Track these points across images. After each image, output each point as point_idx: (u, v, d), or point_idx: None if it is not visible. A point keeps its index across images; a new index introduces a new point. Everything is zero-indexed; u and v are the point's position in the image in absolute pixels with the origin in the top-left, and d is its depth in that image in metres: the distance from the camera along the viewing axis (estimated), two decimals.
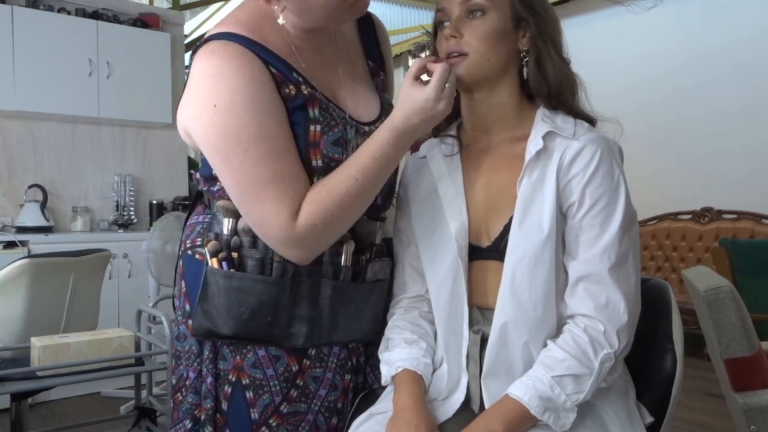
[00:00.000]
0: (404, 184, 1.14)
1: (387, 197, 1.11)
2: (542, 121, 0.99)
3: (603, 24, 4.99)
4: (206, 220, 1.06)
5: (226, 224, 1.01)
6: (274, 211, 0.92)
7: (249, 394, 1.01)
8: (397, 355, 1.05)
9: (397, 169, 1.07)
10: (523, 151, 0.98)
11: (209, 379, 1.02)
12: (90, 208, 3.90)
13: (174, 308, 1.13)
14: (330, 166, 0.97)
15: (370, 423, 1.02)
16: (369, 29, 1.15)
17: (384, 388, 1.09)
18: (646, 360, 1.06)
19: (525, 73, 1.01)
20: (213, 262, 0.99)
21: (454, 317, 1.02)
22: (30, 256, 2.55)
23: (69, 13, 3.73)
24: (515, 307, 0.95)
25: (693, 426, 2.89)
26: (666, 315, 1.07)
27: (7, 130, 3.66)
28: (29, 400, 2.42)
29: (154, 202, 4.05)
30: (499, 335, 0.96)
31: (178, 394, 1.07)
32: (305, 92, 0.98)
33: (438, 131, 1.11)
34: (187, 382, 1.05)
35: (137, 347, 2.01)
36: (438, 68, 0.92)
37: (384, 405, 1.04)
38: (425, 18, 6.60)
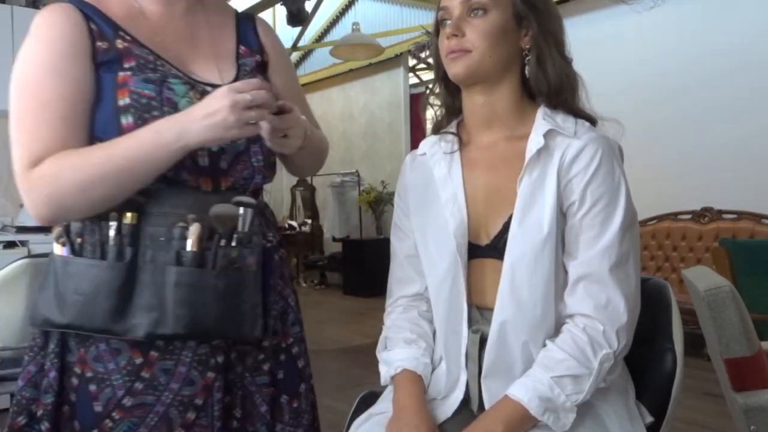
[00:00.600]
0: (403, 182, 1.13)
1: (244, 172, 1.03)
2: (543, 120, 0.98)
3: (603, 23, 4.99)
4: None
5: None
6: (17, 155, 0.94)
7: (92, 387, 0.97)
8: (396, 354, 1.05)
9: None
10: (524, 149, 0.98)
11: (52, 373, 0.98)
12: None
13: None
14: (141, 102, 0.94)
15: (369, 423, 1.02)
16: (249, 24, 1.15)
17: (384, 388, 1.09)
18: (646, 360, 1.06)
19: (527, 72, 1.01)
20: (56, 248, 0.96)
21: (454, 316, 1.02)
22: (30, 255, 2.54)
23: None
24: (515, 306, 0.95)
25: (693, 426, 2.89)
26: (666, 315, 1.07)
27: (7, 130, 3.65)
28: None
29: None
30: (498, 334, 0.96)
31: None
32: (119, 46, 0.97)
33: (438, 129, 1.11)
34: (26, 376, 1.01)
35: None
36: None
37: (384, 405, 1.04)
38: (425, 18, 6.59)
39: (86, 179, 0.90)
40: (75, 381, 0.98)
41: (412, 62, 6.91)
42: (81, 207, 0.93)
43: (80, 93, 0.95)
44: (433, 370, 1.05)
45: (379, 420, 1.00)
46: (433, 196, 1.06)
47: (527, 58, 1.01)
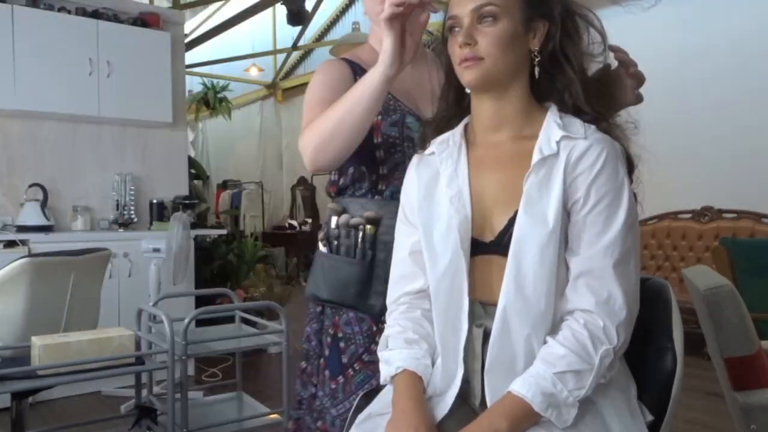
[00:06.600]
0: (410, 179, 1.14)
1: None
2: (554, 124, 1.00)
3: (602, 22, 4.98)
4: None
5: (333, 221, 1.37)
6: (302, 126, 1.29)
7: (341, 344, 1.35)
8: (396, 355, 1.05)
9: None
10: (530, 148, 0.99)
11: (326, 335, 1.38)
12: (90, 207, 3.91)
13: None
14: (388, 142, 1.31)
15: (369, 423, 1.02)
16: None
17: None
18: (646, 359, 1.06)
19: (536, 73, 1.03)
20: (321, 247, 1.38)
21: (453, 310, 1.02)
22: (30, 255, 2.55)
23: (69, 12, 3.73)
24: (519, 299, 0.95)
25: (693, 425, 2.89)
26: (666, 314, 1.07)
27: (8, 129, 3.66)
28: (30, 399, 2.42)
29: (155, 201, 4.06)
30: (501, 326, 0.96)
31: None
32: None
33: (446, 128, 1.12)
34: (309, 333, 1.43)
35: (137, 346, 2.01)
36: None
37: (383, 405, 1.04)
38: None
39: (334, 124, 1.20)
40: (328, 339, 1.37)
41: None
42: (334, 148, 1.22)
43: None
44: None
45: (378, 421, 1.00)
46: (439, 193, 1.07)
47: (536, 60, 1.03)
